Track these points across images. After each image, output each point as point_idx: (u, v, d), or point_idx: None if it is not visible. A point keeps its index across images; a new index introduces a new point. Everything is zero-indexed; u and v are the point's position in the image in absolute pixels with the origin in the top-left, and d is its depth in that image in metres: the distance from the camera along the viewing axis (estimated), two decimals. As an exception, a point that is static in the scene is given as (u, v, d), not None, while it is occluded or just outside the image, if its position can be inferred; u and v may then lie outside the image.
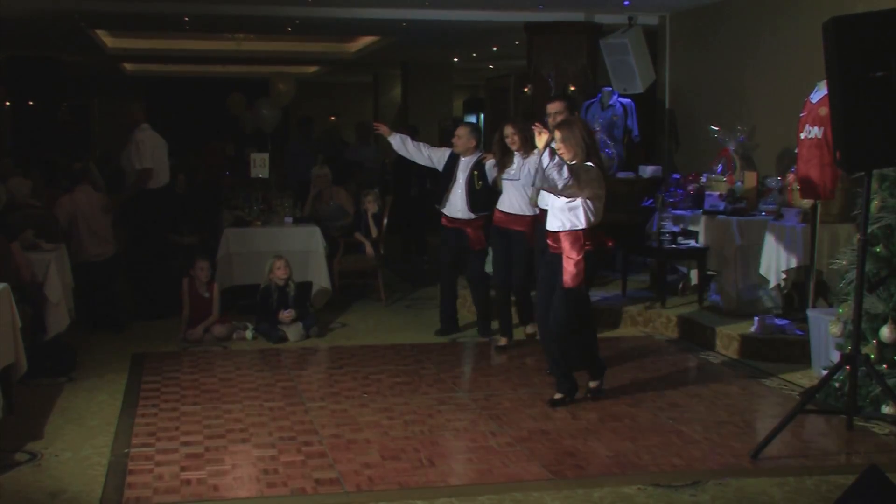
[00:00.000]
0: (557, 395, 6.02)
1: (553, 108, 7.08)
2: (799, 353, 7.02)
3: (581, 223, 5.70)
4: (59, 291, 6.92)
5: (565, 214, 5.73)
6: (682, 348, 7.63)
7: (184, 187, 9.96)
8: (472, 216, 7.69)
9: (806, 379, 6.59)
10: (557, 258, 5.83)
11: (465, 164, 7.68)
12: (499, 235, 7.38)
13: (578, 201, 5.67)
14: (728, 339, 7.40)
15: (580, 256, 5.69)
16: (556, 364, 6.02)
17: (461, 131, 7.81)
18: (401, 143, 7.99)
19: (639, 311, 8.33)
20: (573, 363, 6.04)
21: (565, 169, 5.43)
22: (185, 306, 7.96)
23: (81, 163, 9.94)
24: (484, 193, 7.57)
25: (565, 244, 5.74)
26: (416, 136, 13.18)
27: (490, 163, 7.51)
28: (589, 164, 5.69)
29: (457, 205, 7.70)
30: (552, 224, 5.85)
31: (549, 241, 5.93)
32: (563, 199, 5.71)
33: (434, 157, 7.93)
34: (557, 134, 5.71)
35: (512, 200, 7.25)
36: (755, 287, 7.83)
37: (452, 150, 7.77)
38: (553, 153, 5.43)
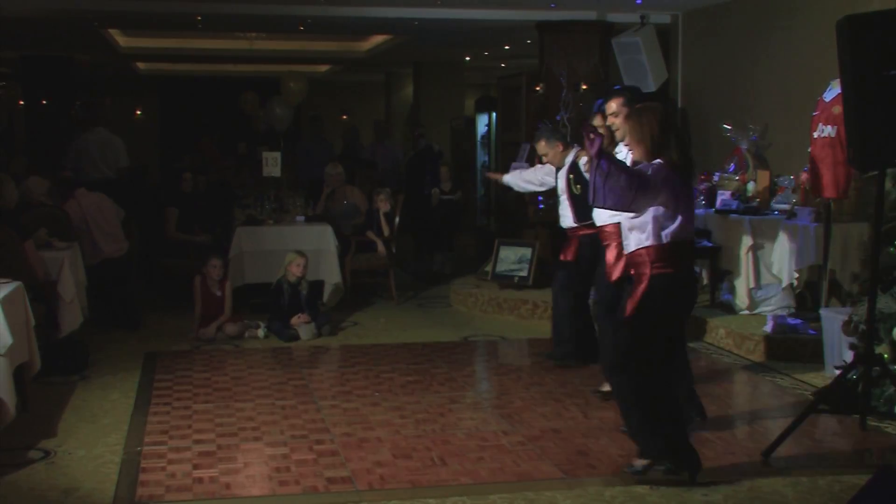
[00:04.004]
0: (639, 462, 4.76)
1: (612, 107, 5.74)
2: (812, 353, 7.00)
3: (648, 239, 4.52)
4: (73, 290, 6.95)
5: (633, 231, 4.59)
6: (694, 347, 7.61)
7: (189, 185, 9.99)
8: (578, 226, 6.70)
9: (819, 378, 6.57)
10: (629, 281, 4.80)
11: (563, 173, 6.83)
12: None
13: (649, 213, 4.50)
14: (740, 338, 7.38)
15: (646, 281, 4.52)
16: (630, 419, 4.72)
17: (540, 147, 6.88)
18: (518, 181, 7.43)
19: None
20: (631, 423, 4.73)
21: (623, 177, 4.33)
22: (198, 304, 7.99)
23: (69, 173, 10.07)
24: (583, 198, 6.43)
25: (637, 267, 4.61)
26: (424, 138, 13.21)
27: (583, 160, 6.38)
28: (658, 161, 4.52)
29: (566, 214, 6.82)
30: (624, 243, 4.75)
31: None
32: (628, 214, 4.57)
33: (546, 177, 7.15)
34: (627, 126, 4.70)
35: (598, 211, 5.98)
36: (768, 286, 7.80)
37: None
38: (610, 159, 4.39)
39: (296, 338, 7.84)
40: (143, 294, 9.27)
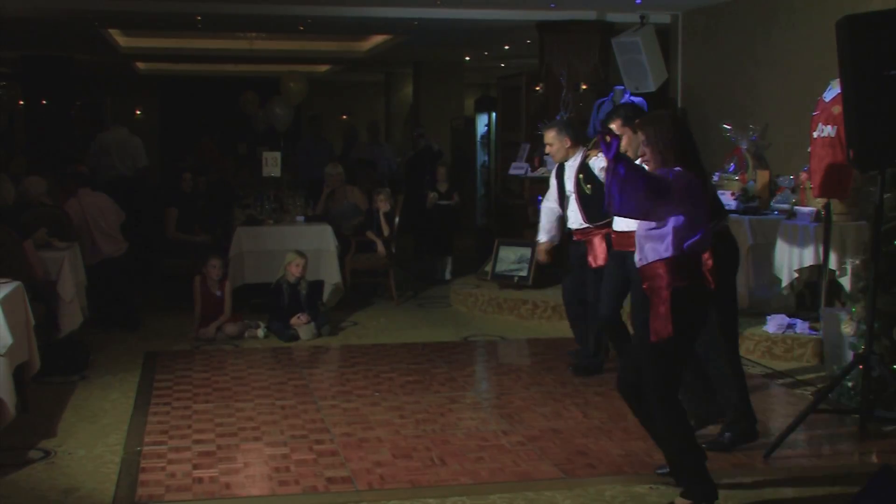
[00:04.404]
0: (682, 501, 4.32)
1: (613, 129, 5.56)
2: (812, 353, 7.00)
3: (667, 250, 4.18)
4: (73, 290, 6.95)
5: (649, 242, 4.25)
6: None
7: (189, 186, 10.00)
8: (590, 226, 6.43)
9: (819, 378, 6.56)
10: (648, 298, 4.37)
11: (570, 170, 6.58)
12: (613, 259, 6.07)
13: (669, 223, 4.18)
14: (740, 338, 7.37)
15: (667, 297, 4.18)
16: (681, 457, 4.34)
17: (549, 136, 6.60)
18: (552, 219, 6.88)
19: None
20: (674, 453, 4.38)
21: (641, 183, 4.02)
22: (198, 305, 7.98)
23: (85, 166, 10.20)
24: (598, 198, 6.06)
25: (653, 281, 4.26)
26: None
27: (596, 160, 6.28)
28: (677, 168, 4.21)
29: (575, 215, 6.55)
30: (636, 256, 4.40)
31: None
32: (646, 224, 4.26)
33: (558, 197, 6.79)
34: (640, 136, 4.36)
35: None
36: (768, 286, 7.80)
37: (554, 162, 6.74)
38: (628, 164, 4.07)
39: (296, 338, 7.84)
40: (143, 294, 9.27)
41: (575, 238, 6.66)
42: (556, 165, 6.78)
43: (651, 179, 4.06)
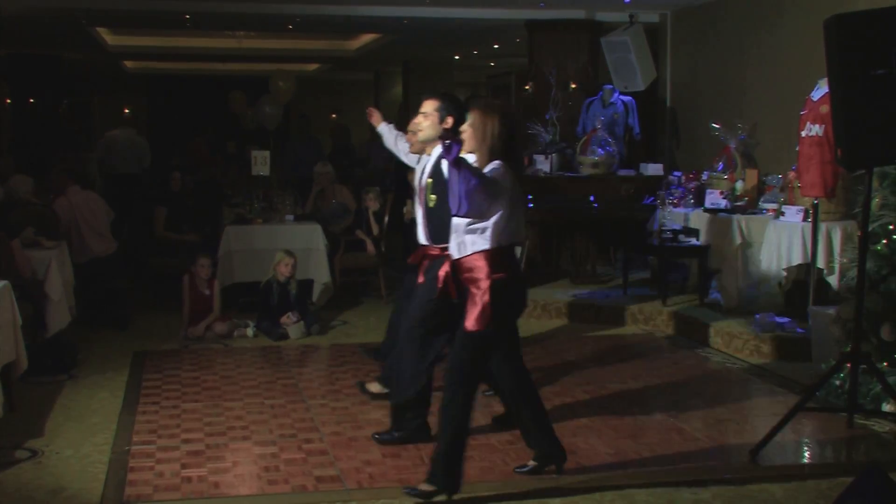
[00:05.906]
0: (425, 486, 4.41)
1: (427, 106, 5.15)
2: (800, 351, 7.02)
3: (486, 242, 4.28)
4: (60, 289, 6.93)
5: (468, 234, 4.30)
6: (682, 346, 7.63)
7: (179, 185, 9.98)
8: (427, 244, 5.19)
9: (806, 376, 6.58)
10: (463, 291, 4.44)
11: (423, 167, 5.30)
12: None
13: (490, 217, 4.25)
14: (728, 336, 7.40)
15: (487, 289, 4.27)
16: (456, 436, 4.42)
17: (428, 105, 5.24)
18: (393, 140, 6.10)
19: (640, 308, 8.32)
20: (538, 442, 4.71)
21: (481, 184, 4.06)
22: (186, 304, 7.96)
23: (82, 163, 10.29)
24: (442, 214, 4.83)
25: (471, 273, 4.33)
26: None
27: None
28: (497, 162, 4.27)
29: (419, 229, 5.27)
30: (452, 248, 4.43)
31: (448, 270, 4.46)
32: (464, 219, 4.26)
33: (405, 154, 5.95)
34: (469, 120, 4.31)
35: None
36: (756, 285, 7.83)
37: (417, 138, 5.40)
38: (469, 167, 4.05)
39: (285, 337, 7.83)
40: (132, 293, 9.24)
41: (410, 260, 5.45)
42: (418, 158, 5.48)
43: (486, 180, 4.14)
